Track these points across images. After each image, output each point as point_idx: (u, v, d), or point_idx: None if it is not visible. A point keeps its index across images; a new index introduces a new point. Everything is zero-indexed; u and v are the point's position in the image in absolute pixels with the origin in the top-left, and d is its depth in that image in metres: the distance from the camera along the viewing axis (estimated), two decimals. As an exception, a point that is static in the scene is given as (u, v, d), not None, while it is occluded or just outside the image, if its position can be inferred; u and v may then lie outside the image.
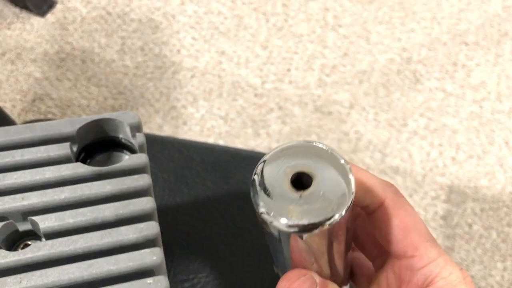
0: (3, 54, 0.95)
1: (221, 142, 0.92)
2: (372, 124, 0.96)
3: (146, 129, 0.90)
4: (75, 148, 0.27)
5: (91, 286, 0.22)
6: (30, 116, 0.89)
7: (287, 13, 1.09)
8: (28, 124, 0.27)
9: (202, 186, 0.43)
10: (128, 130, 0.28)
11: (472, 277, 0.83)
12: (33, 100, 0.91)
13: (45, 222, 0.23)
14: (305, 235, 0.19)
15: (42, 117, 0.89)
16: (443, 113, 0.99)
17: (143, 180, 0.25)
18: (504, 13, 1.13)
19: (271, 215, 0.18)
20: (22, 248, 0.24)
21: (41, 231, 0.23)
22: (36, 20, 0.99)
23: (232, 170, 0.44)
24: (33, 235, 0.25)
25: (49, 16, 1.00)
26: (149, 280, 0.22)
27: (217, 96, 0.96)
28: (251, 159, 0.45)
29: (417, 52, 1.07)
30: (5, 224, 0.23)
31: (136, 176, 0.25)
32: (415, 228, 0.22)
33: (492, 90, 1.03)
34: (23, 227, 0.24)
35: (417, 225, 0.22)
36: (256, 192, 0.19)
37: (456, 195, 0.90)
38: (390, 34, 1.09)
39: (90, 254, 0.23)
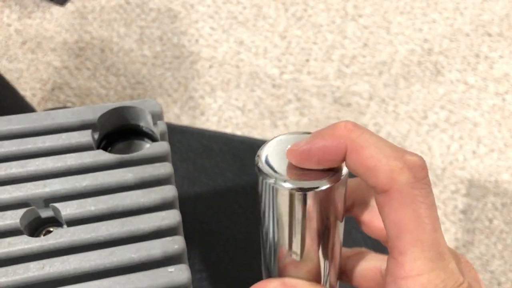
0: (24, 43, 0.96)
1: (238, 133, 0.92)
2: (392, 116, 0.95)
3: (164, 119, 0.90)
4: (96, 136, 0.27)
5: (112, 273, 0.22)
6: (50, 105, 0.90)
7: (306, 3, 1.07)
8: (49, 111, 0.26)
9: (221, 176, 0.43)
10: (149, 118, 0.27)
11: (492, 272, 0.82)
12: (53, 89, 0.92)
13: (66, 209, 0.23)
14: (303, 195, 0.21)
15: (61, 105, 0.90)
16: (464, 105, 0.98)
17: (164, 168, 0.25)
18: (529, 4, 1.10)
19: (275, 181, 0.21)
20: (44, 235, 0.24)
21: (63, 218, 0.23)
22: (56, 9, 1.00)
23: (251, 160, 0.44)
24: (55, 222, 0.25)
25: (68, 5, 1.01)
26: (171, 268, 0.22)
27: (235, 86, 0.96)
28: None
29: (438, 43, 1.05)
30: (27, 211, 0.23)
31: (157, 164, 0.25)
32: (413, 231, 0.18)
33: (516, 83, 1.00)
34: (45, 213, 0.24)
35: (419, 230, 0.18)
36: (261, 168, 0.21)
37: (476, 189, 0.89)
38: (411, 24, 1.08)
39: (112, 242, 0.23)
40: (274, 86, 0.96)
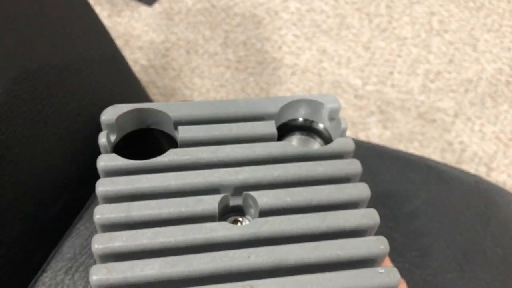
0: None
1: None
2: (478, 136, 0.92)
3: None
4: (275, 127, 0.26)
5: (316, 269, 0.21)
6: (135, 102, 0.91)
7: (391, 15, 1.06)
8: (231, 100, 0.26)
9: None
10: (326, 113, 0.27)
11: None
12: (138, 87, 0.93)
13: (262, 199, 0.23)
14: None
15: (146, 103, 0.91)
16: (556, 129, 0.93)
17: (355, 165, 0.24)
18: None
19: None
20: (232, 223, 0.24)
21: (259, 207, 0.22)
22: (144, 9, 1.02)
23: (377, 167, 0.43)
24: (239, 211, 0.24)
25: (156, 5, 1.03)
26: (381, 269, 0.21)
27: (316, 95, 0.95)
28: (397, 158, 0.44)
29: (528, 64, 1.01)
30: (223, 197, 0.23)
31: (347, 160, 0.24)
32: None
33: None
34: (232, 202, 0.24)
35: None
36: None
37: None
38: (499, 43, 1.04)
39: (311, 236, 0.22)
40: (356, 96, 0.94)
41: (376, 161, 0.44)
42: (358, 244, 0.21)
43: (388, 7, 1.06)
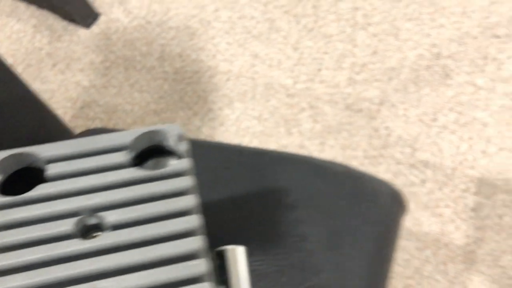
0: (54, 65, 1.03)
1: (255, 142, 0.97)
2: (402, 120, 0.99)
3: (186, 131, 0.96)
4: (130, 156, 0.32)
5: (147, 267, 0.27)
6: (80, 122, 0.97)
7: (317, 14, 1.12)
8: (92, 137, 0.32)
9: (237, 187, 0.48)
10: (173, 139, 0.33)
11: (504, 267, 0.85)
12: (82, 107, 0.99)
13: (109, 217, 0.29)
14: None
15: (90, 122, 0.97)
16: (473, 107, 1.01)
17: (187, 181, 0.30)
18: (535, 5, 1.13)
19: None
20: (90, 239, 0.30)
21: (107, 224, 0.29)
22: (82, 32, 1.07)
23: (266, 171, 0.49)
24: (98, 228, 0.31)
25: (94, 27, 1.08)
26: (194, 262, 0.27)
27: (251, 97, 1.01)
28: (283, 160, 0.50)
29: (446, 47, 1.09)
30: (78, 219, 0.29)
31: (182, 178, 0.31)
32: None
33: (523, 83, 1.03)
34: (91, 221, 0.30)
35: None
36: None
37: (486, 188, 0.92)
38: (420, 30, 1.11)
39: (146, 242, 0.28)
40: (288, 95, 1.01)
41: (265, 163, 0.51)
42: (180, 244, 0.28)
43: (314, 6, 1.13)
